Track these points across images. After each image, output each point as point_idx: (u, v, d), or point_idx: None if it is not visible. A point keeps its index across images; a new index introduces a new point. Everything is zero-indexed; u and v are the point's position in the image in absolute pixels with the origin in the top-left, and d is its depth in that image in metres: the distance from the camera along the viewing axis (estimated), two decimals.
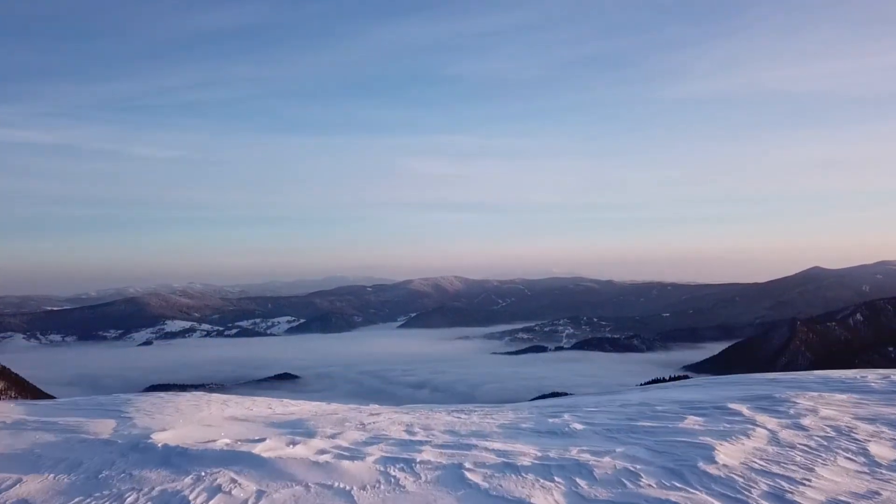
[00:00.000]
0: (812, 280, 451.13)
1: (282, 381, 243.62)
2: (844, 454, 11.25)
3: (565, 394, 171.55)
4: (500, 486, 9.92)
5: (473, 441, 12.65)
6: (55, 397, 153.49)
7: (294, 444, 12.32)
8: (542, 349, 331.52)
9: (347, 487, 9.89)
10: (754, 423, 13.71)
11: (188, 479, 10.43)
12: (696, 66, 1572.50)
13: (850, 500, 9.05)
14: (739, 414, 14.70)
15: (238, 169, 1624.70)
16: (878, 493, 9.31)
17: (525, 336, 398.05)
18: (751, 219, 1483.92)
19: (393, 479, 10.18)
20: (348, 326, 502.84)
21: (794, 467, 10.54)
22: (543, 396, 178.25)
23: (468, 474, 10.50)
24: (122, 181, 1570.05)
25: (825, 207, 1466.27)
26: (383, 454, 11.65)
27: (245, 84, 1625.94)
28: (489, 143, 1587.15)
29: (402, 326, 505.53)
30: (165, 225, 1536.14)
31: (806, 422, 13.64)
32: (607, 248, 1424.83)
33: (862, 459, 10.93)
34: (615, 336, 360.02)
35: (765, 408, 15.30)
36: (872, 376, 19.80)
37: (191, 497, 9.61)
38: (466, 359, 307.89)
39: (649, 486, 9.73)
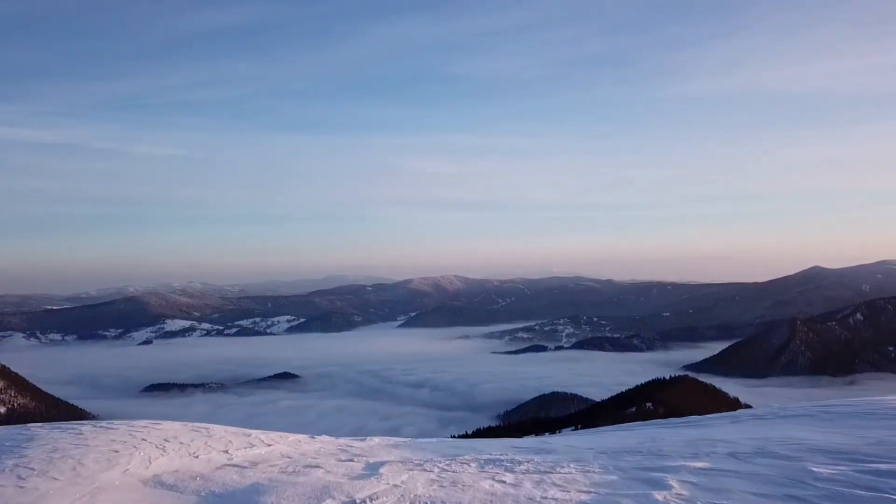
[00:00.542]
0: (812, 279, 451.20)
1: (282, 381, 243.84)
2: None
3: (565, 393, 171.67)
4: None
5: None
6: (55, 396, 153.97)
7: None
8: (542, 348, 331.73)
9: None
10: None
11: None
12: (696, 66, 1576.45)
13: None
14: None
15: (239, 168, 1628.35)
16: None
17: (525, 335, 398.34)
18: (751, 218, 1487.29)
19: None
20: (348, 326, 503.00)
21: None
22: (543, 396, 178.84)
23: None
24: (122, 180, 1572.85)
25: (825, 207, 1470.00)
26: None
27: (246, 83, 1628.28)
28: (489, 143, 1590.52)
29: (402, 326, 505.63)
30: (165, 224, 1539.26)
31: None
32: (607, 247, 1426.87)
33: None
34: (615, 335, 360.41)
35: None
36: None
37: None
38: (466, 358, 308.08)
39: None
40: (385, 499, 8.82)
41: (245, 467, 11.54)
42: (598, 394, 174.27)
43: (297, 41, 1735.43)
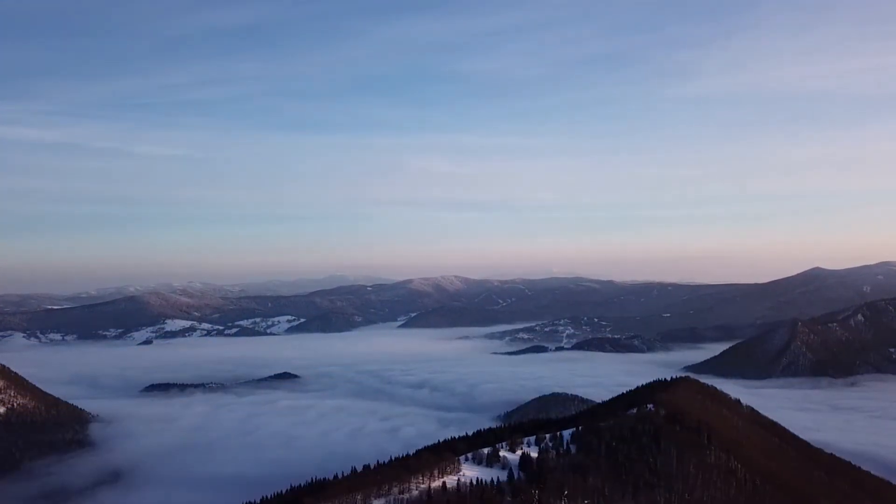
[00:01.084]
0: (813, 280, 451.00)
1: (282, 381, 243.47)
2: None
3: (565, 394, 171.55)
4: None
5: None
6: (55, 396, 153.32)
7: None
8: (543, 349, 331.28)
9: None
10: None
11: None
12: (699, 66, 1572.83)
13: None
14: None
15: (239, 167, 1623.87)
16: None
17: (525, 336, 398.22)
18: (751, 219, 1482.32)
19: None
20: (348, 326, 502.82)
21: None
22: (544, 397, 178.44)
23: None
24: (123, 179, 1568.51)
25: (826, 207, 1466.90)
26: None
27: (249, 82, 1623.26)
28: (491, 142, 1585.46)
29: (402, 326, 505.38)
30: (166, 223, 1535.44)
31: None
32: (608, 247, 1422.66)
33: None
34: (616, 336, 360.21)
35: None
36: None
37: None
38: (466, 359, 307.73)
39: None
40: None
41: None
42: (599, 395, 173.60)
43: (300, 40, 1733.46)
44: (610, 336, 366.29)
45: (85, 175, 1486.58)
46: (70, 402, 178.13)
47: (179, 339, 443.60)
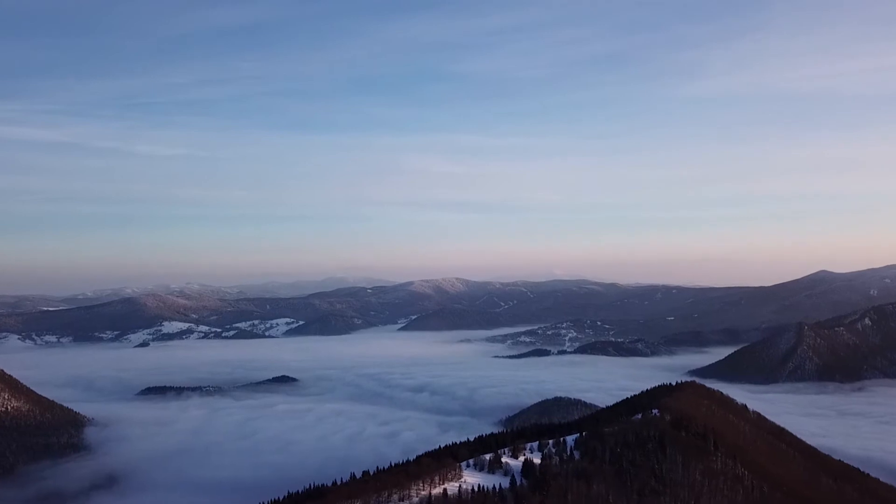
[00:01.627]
0: (819, 284, 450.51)
1: (280, 384, 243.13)
2: None
3: (568, 399, 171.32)
4: None
5: None
6: (50, 399, 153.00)
7: None
8: (545, 353, 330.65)
9: None
10: None
11: None
12: (704, 66, 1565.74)
13: None
14: None
15: (238, 167, 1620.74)
16: None
17: (527, 339, 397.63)
18: (757, 221, 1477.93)
19: None
20: (348, 329, 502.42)
21: None
22: (546, 401, 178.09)
23: None
24: (122, 179, 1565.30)
25: (833, 209, 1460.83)
26: None
27: (249, 81, 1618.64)
28: (494, 142, 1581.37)
29: (402, 329, 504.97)
30: (164, 224, 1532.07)
31: None
32: (611, 250, 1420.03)
33: None
34: (619, 340, 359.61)
35: None
36: None
37: None
38: (467, 362, 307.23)
39: None
40: None
41: None
42: (602, 399, 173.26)
43: (299, 40, 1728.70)
44: (613, 339, 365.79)
45: (83, 175, 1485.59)
46: (65, 405, 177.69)
47: (176, 342, 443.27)
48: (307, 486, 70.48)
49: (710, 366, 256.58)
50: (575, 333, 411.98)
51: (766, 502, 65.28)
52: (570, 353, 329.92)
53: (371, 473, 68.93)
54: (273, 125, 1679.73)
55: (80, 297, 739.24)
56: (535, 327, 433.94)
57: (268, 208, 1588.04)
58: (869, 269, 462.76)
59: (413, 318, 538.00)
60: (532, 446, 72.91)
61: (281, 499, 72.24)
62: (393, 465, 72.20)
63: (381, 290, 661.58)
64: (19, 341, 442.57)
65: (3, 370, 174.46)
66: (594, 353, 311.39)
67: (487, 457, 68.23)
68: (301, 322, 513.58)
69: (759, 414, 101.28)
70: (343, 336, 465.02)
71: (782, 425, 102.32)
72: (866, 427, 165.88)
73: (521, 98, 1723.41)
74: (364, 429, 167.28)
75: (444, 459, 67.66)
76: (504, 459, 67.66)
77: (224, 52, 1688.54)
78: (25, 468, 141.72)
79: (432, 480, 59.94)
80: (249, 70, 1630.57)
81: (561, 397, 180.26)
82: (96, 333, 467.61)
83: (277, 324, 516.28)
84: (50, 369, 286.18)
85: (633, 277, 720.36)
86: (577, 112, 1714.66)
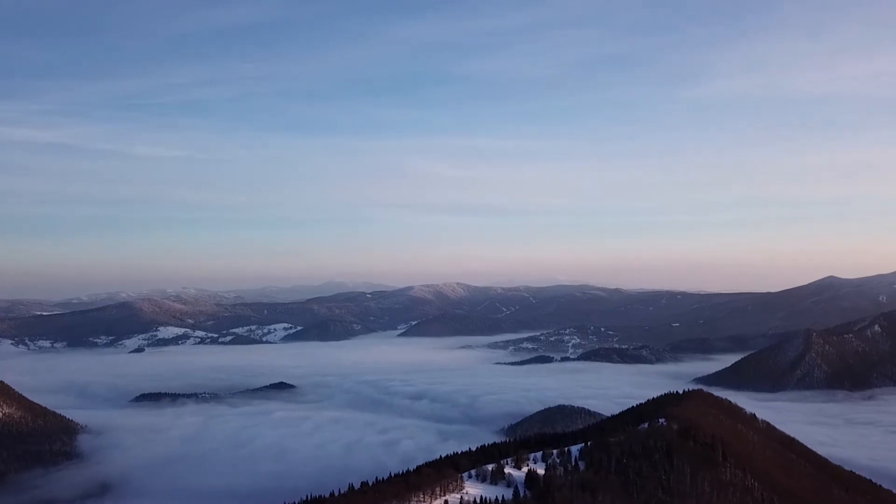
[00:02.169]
0: (827, 290, 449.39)
1: (277, 391, 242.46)
2: None
3: (571, 407, 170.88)
4: None
5: None
6: (42, 406, 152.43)
7: None
8: (548, 359, 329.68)
9: None
10: None
11: None
12: (712, 68, 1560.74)
13: None
14: None
15: (237, 169, 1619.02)
16: None
17: (529, 346, 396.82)
18: (764, 226, 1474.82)
19: None
20: (347, 334, 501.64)
21: None
22: (548, 409, 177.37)
23: None
24: (118, 181, 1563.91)
25: (842, 214, 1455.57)
26: None
27: (250, 82, 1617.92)
28: (496, 145, 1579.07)
29: (402, 334, 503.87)
30: (161, 227, 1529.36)
31: None
32: (615, 254, 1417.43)
33: None
34: (623, 346, 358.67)
35: None
36: None
37: None
38: (468, 368, 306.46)
39: None
40: None
41: None
42: (607, 408, 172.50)
43: (302, 40, 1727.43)
44: (617, 346, 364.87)
45: (79, 177, 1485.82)
46: (58, 411, 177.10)
47: (172, 347, 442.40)
48: (304, 497, 69.73)
49: (716, 373, 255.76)
50: (578, 340, 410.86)
51: None
52: (574, 359, 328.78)
53: (370, 484, 68.19)
54: (274, 127, 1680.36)
55: (74, 301, 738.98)
56: (538, 333, 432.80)
57: (266, 211, 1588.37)
58: (878, 275, 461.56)
59: (413, 323, 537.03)
60: (535, 456, 72.27)
61: None
62: (392, 475, 71.50)
63: (380, 295, 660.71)
64: (12, 346, 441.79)
65: None
66: (598, 360, 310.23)
67: (490, 467, 67.57)
68: (299, 327, 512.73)
69: (768, 423, 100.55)
70: (342, 342, 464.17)
71: (789, 434, 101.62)
72: (876, 436, 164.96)
73: (524, 100, 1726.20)
74: (362, 437, 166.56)
75: (446, 470, 66.96)
76: (507, 470, 67.00)
77: (225, 53, 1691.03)
78: (17, 476, 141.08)
79: (433, 492, 59.27)
80: (250, 71, 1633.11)
81: (564, 405, 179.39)
82: (91, 339, 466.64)
83: (275, 329, 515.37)
84: (43, 375, 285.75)
85: (637, 283, 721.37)
86: (581, 114, 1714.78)
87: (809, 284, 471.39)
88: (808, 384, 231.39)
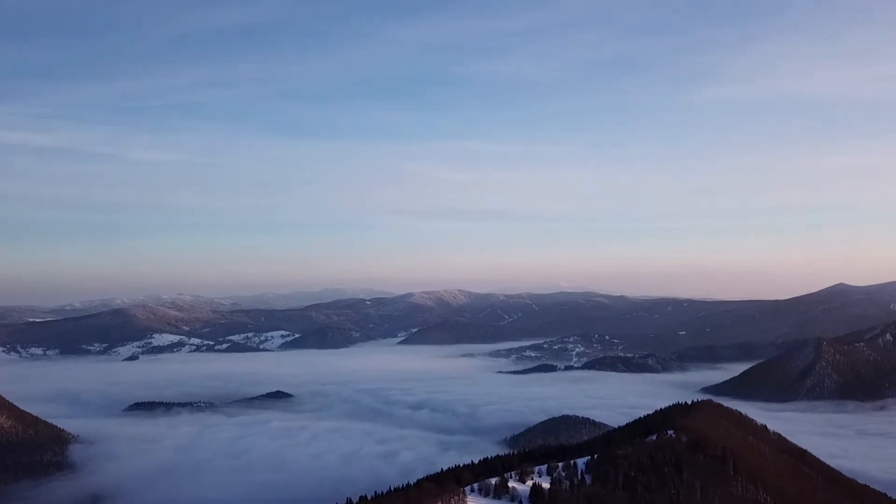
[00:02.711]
0: (837, 297, 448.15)
1: (274, 400, 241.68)
2: None
3: (576, 417, 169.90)
4: None
5: None
6: (33, 414, 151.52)
7: None
8: (551, 368, 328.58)
9: None
10: None
11: None
12: (721, 70, 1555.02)
13: None
14: None
15: (236, 173, 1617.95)
16: None
17: (532, 354, 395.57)
18: (773, 231, 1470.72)
19: None
20: (346, 342, 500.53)
21: None
22: (552, 419, 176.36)
23: None
24: (114, 185, 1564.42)
25: (851, 219, 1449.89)
26: None
27: (249, 84, 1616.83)
28: (498, 149, 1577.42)
29: (402, 342, 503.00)
30: (157, 232, 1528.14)
31: None
32: (620, 261, 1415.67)
33: None
34: (628, 355, 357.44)
35: None
36: None
37: None
38: (470, 377, 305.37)
39: None
40: None
41: None
42: (612, 418, 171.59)
43: (302, 41, 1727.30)
44: (622, 355, 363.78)
45: (74, 180, 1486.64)
46: (49, 421, 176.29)
47: (167, 355, 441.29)
48: None
49: (723, 382, 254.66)
50: (582, 348, 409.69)
51: None
52: (578, 368, 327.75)
53: (368, 499, 67.20)
54: (272, 130, 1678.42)
55: (67, 307, 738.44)
56: (541, 341, 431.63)
57: (264, 216, 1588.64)
58: (889, 282, 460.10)
59: (413, 331, 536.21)
60: (540, 469, 71.25)
61: None
62: (392, 489, 70.49)
63: (380, 302, 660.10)
64: (4, 354, 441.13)
65: None
66: (602, 369, 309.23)
67: (493, 481, 66.55)
68: (297, 335, 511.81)
69: (779, 435, 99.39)
70: (340, 350, 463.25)
71: (801, 446, 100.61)
72: (889, 448, 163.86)
73: (528, 103, 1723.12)
74: (361, 447, 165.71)
75: (447, 483, 65.93)
76: (511, 484, 65.99)
77: (224, 54, 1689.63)
78: (6, 488, 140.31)
79: None
80: (250, 72, 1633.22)
81: (568, 415, 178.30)
82: (84, 346, 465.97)
83: (272, 337, 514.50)
84: (35, 383, 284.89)
85: (642, 290, 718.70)
86: (586, 118, 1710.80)
87: (819, 292, 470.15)
88: (818, 394, 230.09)
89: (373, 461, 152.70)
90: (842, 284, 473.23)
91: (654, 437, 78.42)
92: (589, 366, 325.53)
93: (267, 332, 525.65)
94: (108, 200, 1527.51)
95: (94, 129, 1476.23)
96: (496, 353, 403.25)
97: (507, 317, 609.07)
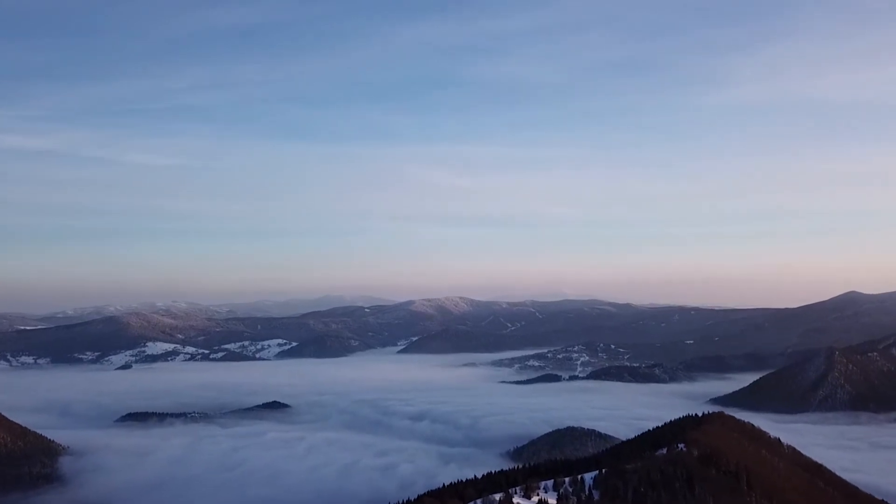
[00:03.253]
0: (849, 305, 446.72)
1: (270, 411, 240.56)
2: None
3: (581, 429, 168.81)
4: None
5: None
6: (22, 425, 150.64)
7: None
8: (555, 378, 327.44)
9: None
10: None
11: None
12: (732, 73, 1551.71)
13: None
14: None
15: (233, 178, 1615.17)
16: None
17: (536, 363, 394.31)
18: (781, 237, 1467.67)
19: None
20: (344, 351, 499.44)
21: None
22: (557, 431, 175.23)
23: None
24: (109, 190, 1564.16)
25: (864, 226, 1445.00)
26: None
27: (248, 86, 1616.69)
28: (501, 153, 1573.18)
29: (402, 351, 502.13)
30: (151, 238, 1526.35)
31: None
32: (625, 268, 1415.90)
33: None
34: (634, 364, 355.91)
35: None
36: None
37: None
38: (472, 387, 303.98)
39: None
40: None
41: None
42: (619, 430, 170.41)
43: (303, 43, 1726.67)
44: (628, 364, 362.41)
45: (67, 185, 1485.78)
46: (39, 431, 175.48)
47: (161, 364, 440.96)
48: None
49: (732, 393, 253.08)
50: (587, 357, 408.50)
51: None
52: (583, 378, 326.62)
53: None
54: (271, 133, 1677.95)
55: (59, 315, 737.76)
56: (545, 350, 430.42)
57: (261, 222, 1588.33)
58: None
59: (414, 339, 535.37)
60: (546, 485, 70.16)
61: None
62: None
63: (379, 310, 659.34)
64: None
65: None
66: (608, 379, 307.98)
67: (497, 496, 65.46)
68: (294, 343, 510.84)
69: (793, 448, 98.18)
70: (339, 359, 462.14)
71: (816, 460, 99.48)
72: None
73: (533, 106, 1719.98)
74: (359, 460, 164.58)
75: (449, 499, 64.92)
76: (516, 500, 64.94)
77: (223, 56, 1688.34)
78: None
79: None
80: (249, 74, 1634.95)
81: (574, 427, 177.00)
82: (76, 354, 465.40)
83: (269, 345, 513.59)
84: (24, 393, 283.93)
85: (648, 297, 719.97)
86: (593, 121, 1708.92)
87: (830, 300, 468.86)
88: (830, 405, 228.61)
89: (371, 474, 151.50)
90: (853, 292, 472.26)
91: (665, 450, 77.33)
92: (594, 376, 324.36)
93: (263, 340, 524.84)
94: (102, 205, 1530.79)
95: (88, 132, 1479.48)
96: (499, 363, 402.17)
97: (509, 325, 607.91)
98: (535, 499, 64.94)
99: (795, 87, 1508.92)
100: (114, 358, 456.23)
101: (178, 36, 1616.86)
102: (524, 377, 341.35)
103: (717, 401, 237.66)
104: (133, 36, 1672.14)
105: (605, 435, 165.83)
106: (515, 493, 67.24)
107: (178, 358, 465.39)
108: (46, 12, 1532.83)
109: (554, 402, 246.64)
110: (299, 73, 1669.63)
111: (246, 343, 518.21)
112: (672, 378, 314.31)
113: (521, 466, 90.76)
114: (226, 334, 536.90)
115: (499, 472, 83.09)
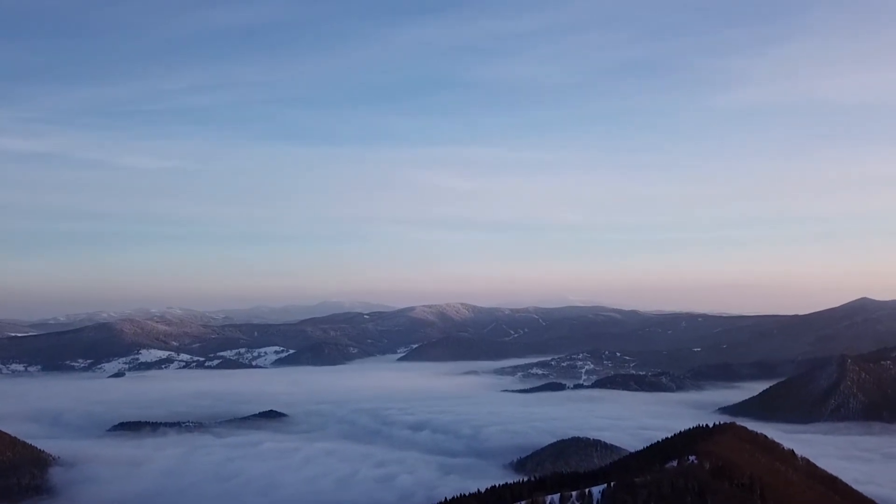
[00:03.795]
0: (860, 312, 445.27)
1: (267, 420, 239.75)
2: None
3: (586, 439, 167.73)
4: None
5: None
6: (11, 435, 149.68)
7: None
8: (559, 387, 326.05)
9: None
10: None
11: None
12: (743, 74, 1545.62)
13: None
14: None
15: (231, 181, 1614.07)
16: None
17: (540, 371, 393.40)
18: (791, 243, 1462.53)
19: None
20: (343, 358, 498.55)
21: None
22: (561, 441, 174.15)
23: None
24: (103, 194, 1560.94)
25: (876, 230, 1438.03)
26: None
27: (247, 88, 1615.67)
28: (506, 156, 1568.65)
29: (402, 359, 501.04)
30: (146, 243, 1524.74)
31: None
32: (631, 273, 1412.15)
33: None
34: (640, 373, 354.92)
35: None
36: None
37: None
38: (473, 396, 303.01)
39: None
40: None
41: None
42: (625, 440, 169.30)
43: (301, 44, 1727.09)
44: (634, 372, 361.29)
45: (60, 188, 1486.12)
46: (28, 442, 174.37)
47: (154, 372, 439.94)
48: None
49: (741, 402, 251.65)
50: (592, 365, 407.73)
51: None
52: (587, 387, 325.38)
53: None
54: (270, 135, 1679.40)
55: (51, 321, 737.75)
56: (549, 358, 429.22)
57: (258, 226, 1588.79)
58: None
59: (414, 347, 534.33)
60: (553, 499, 69.07)
61: None
62: None
63: (379, 317, 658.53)
64: None
65: None
66: (614, 388, 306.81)
67: None
68: (291, 351, 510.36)
69: (807, 460, 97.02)
70: (337, 366, 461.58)
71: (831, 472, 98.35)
72: None
73: (536, 108, 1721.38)
74: (357, 470, 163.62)
75: None
76: None
77: (221, 57, 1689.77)
78: None
79: None
80: (248, 76, 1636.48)
81: (578, 437, 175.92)
82: (67, 362, 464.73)
83: (266, 352, 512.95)
84: (14, 401, 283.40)
85: (655, 304, 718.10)
86: (596, 124, 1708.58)
87: (841, 306, 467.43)
88: (842, 415, 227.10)
89: (370, 485, 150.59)
90: (865, 299, 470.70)
91: (675, 463, 76.21)
92: (599, 384, 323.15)
93: (260, 347, 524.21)
94: (95, 209, 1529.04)
95: (83, 133, 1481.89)
96: (501, 371, 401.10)
97: (512, 332, 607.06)
98: None
99: (808, 88, 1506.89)
100: (107, 366, 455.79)
101: (175, 37, 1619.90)
102: (527, 385, 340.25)
103: (725, 410, 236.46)
104: (130, 37, 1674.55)
105: (611, 445, 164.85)
106: None
107: (172, 366, 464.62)
108: (41, 13, 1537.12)
109: (558, 412, 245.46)
110: (299, 74, 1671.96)
111: (242, 350, 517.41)
112: (679, 387, 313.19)
113: (526, 479, 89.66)
114: (221, 341, 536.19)
115: (503, 485, 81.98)
